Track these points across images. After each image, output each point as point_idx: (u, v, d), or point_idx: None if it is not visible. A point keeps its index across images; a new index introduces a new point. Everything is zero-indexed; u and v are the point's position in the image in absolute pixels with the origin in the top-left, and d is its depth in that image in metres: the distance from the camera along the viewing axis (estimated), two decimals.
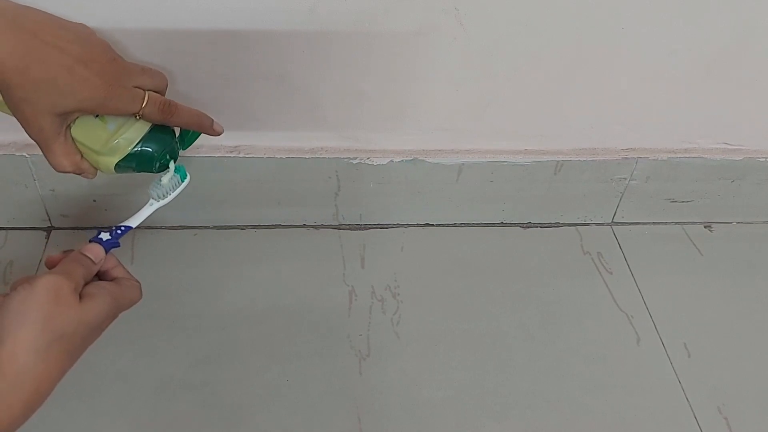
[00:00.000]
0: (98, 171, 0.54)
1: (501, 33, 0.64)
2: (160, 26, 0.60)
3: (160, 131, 0.53)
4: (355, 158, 0.72)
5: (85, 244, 0.49)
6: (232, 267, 0.73)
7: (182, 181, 0.56)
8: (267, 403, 0.62)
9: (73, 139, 0.50)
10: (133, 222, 0.54)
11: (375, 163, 0.73)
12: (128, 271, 0.51)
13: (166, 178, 0.55)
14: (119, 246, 0.51)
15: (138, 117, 0.51)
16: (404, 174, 0.74)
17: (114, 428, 0.59)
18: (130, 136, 0.51)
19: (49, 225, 0.75)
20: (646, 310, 0.73)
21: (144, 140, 0.52)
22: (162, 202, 0.55)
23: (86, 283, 0.46)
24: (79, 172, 0.52)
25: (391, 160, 0.73)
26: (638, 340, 0.70)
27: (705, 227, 0.84)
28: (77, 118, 0.49)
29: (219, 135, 0.57)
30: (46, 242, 0.74)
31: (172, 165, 0.55)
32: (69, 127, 0.49)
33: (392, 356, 0.66)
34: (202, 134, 0.58)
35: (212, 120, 0.56)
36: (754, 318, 0.73)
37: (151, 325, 0.67)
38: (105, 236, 0.50)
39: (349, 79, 0.66)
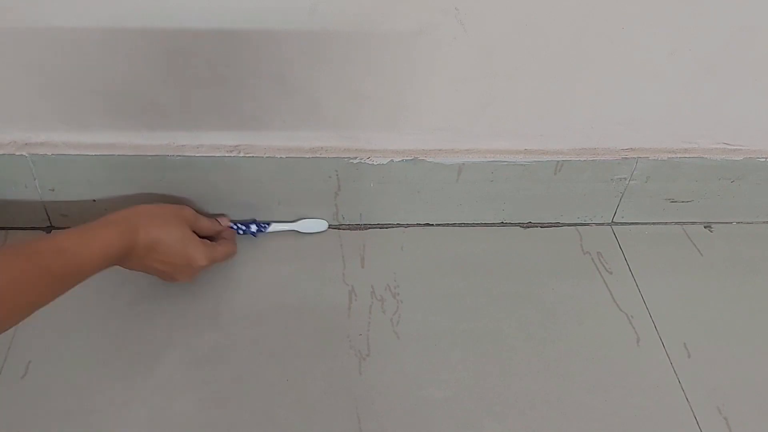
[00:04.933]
0: None
1: (501, 33, 0.64)
2: (160, 26, 0.60)
3: None
4: (355, 158, 0.72)
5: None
6: (233, 267, 0.73)
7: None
8: (267, 402, 0.62)
9: None
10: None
11: (375, 163, 0.73)
12: (230, 245, 0.72)
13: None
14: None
15: None
16: (404, 174, 0.74)
17: (113, 428, 0.59)
18: None
19: (49, 225, 0.75)
20: (646, 310, 0.73)
21: None
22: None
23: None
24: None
25: (391, 160, 0.73)
26: (638, 340, 0.70)
27: (705, 227, 0.84)
28: None
29: None
30: None
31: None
32: None
33: (392, 356, 0.66)
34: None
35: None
36: (754, 318, 0.73)
37: (151, 324, 0.67)
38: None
39: (349, 79, 0.66)
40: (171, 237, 0.63)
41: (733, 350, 0.70)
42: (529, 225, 0.82)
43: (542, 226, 0.82)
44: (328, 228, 0.79)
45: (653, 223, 0.83)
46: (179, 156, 0.70)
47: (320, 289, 0.72)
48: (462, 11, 0.61)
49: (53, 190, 0.72)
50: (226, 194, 0.74)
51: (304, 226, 0.77)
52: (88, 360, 0.64)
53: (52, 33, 0.60)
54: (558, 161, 0.75)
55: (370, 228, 0.79)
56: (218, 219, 0.73)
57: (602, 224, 0.83)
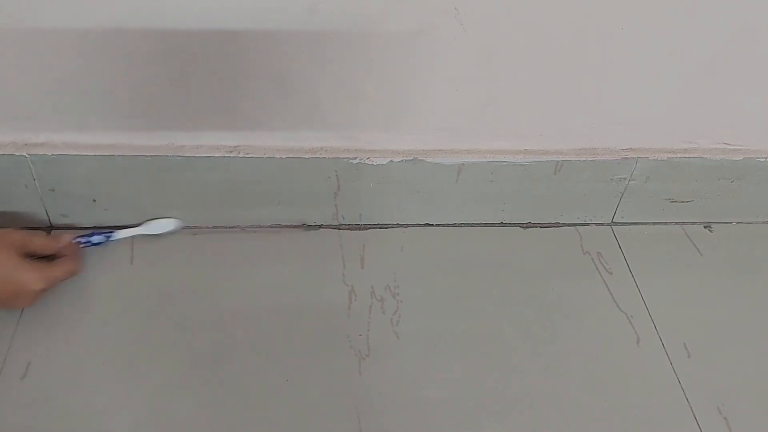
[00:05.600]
0: None
1: (501, 33, 0.64)
2: (160, 26, 0.60)
3: None
4: (355, 158, 0.72)
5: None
6: (232, 267, 0.73)
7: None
8: (267, 403, 0.62)
9: None
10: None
11: (375, 163, 0.73)
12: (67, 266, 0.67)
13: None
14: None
15: None
16: (404, 174, 0.74)
17: (113, 428, 0.59)
18: None
19: (49, 225, 0.75)
20: (646, 310, 0.73)
21: None
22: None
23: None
24: None
25: (391, 160, 0.73)
26: (638, 340, 0.70)
27: (705, 227, 0.84)
28: None
29: None
30: None
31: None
32: None
33: (392, 356, 0.66)
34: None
35: None
36: (754, 318, 0.73)
37: (151, 325, 0.67)
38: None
39: (348, 79, 0.66)
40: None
41: (733, 350, 0.70)
42: (529, 225, 0.82)
43: (542, 226, 0.82)
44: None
45: (653, 223, 0.83)
46: (179, 156, 0.70)
47: (320, 289, 0.72)
48: (462, 11, 0.61)
49: (53, 190, 0.72)
50: (226, 195, 0.74)
51: (152, 227, 0.75)
52: (88, 360, 0.64)
53: (53, 33, 0.60)
54: (558, 161, 0.75)
55: (370, 228, 0.79)
56: (59, 236, 0.69)
57: (602, 224, 0.83)
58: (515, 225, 0.81)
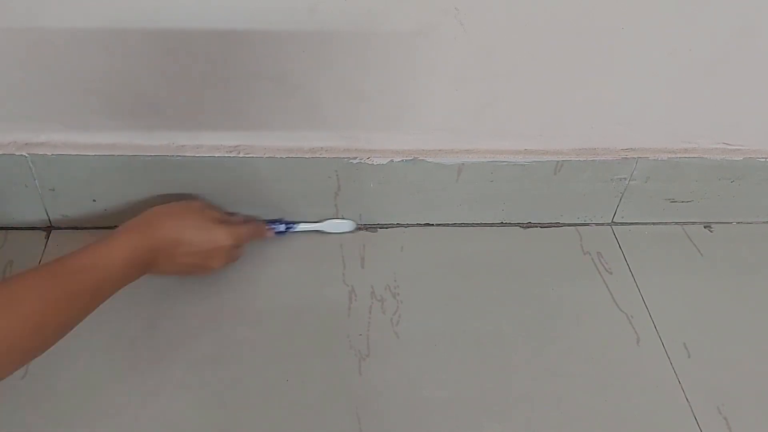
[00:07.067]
0: None
1: (501, 33, 0.64)
2: (160, 26, 0.60)
3: None
4: (355, 158, 0.72)
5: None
6: (232, 267, 0.73)
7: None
8: (267, 403, 0.62)
9: None
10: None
11: (375, 163, 0.73)
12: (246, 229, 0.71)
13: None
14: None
15: None
16: (404, 174, 0.74)
17: (114, 428, 0.59)
18: None
19: (49, 225, 0.75)
20: (645, 310, 0.73)
21: None
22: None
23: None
24: None
25: (391, 160, 0.73)
26: (638, 340, 0.70)
27: (705, 227, 0.84)
28: None
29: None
30: (46, 242, 0.74)
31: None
32: None
33: (392, 356, 0.66)
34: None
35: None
36: (754, 318, 0.73)
37: (151, 325, 0.67)
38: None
39: (348, 79, 0.66)
40: (191, 225, 0.65)
41: (733, 350, 0.70)
42: (529, 225, 0.82)
43: (542, 226, 0.82)
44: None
45: (653, 223, 0.83)
46: (179, 156, 0.70)
47: (320, 289, 0.72)
48: (462, 11, 0.61)
49: (53, 190, 0.72)
50: (226, 195, 0.74)
51: (331, 226, 0.78)
52: (88, 361, 0.64)
53: (53, 33, 0.60)
54: (558, 161, 0.75)
55: (369, 228, 0.79)
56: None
57: (602, 224, 0.83)
58: (515, 225, 0.82)
